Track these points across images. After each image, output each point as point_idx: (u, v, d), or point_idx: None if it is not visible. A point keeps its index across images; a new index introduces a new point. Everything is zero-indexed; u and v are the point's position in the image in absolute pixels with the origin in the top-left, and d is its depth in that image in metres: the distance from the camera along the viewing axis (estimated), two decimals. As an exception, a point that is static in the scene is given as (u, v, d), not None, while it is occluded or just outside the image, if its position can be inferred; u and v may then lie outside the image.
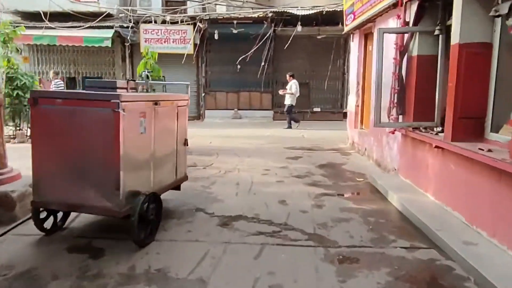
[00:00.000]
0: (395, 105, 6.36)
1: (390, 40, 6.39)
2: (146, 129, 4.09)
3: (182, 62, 15.87)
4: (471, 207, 4.47)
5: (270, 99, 17.31)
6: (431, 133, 5.65)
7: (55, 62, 17.49)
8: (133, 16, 16.15)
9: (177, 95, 5.13)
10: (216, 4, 16.16)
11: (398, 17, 6.30)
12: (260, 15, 15.74)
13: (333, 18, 14.95)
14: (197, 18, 15.98)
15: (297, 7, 15.24)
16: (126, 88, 4.23)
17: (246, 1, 16.05)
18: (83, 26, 15.02)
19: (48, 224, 4.31)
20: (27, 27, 15.83)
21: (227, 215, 5.04)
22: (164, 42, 16.60)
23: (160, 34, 16.54)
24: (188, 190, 6.08)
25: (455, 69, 4.76)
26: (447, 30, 5.63)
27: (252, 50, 15.58)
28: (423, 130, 5.93)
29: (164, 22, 16.31)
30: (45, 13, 13.93)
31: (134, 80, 4.45)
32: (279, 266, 3.71)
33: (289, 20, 15.74)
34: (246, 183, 6.65)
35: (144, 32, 16.55)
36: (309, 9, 15.15)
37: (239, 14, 15.98)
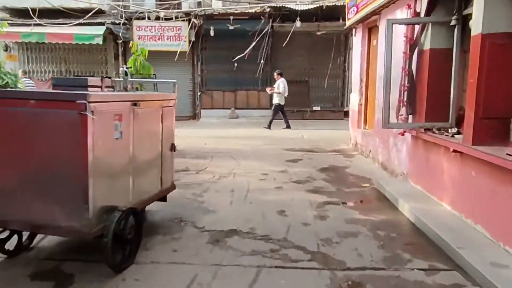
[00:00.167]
0: (405, 103, 5.80)
1: (399, 33, 5.82)
2: (122, 134, 3.51)
3: (175, 60, 15.23)
4: (497, 221, 3.91)
5: (268, 98, 16.64)
6: (446, 135, 5.09)
7: (45, 61, 16.87)
8: (125, 12, 15.54)
9: (161, 94, 4.57)
10: (211, -1, 15.60)
11: (409, 6, 5.72)
12: (257, 11, 15.13)
13: (334, 13, 14.34)
14: (192, 14, 15.37)
15: (296, 1, 14.63)
16: (101, 87, 3.65)
17: (243, -4, 15.47)
18: (73, 23, 14.39)
19: (11, 244, 3.73)
20: (16, 24, 15.36)
21: (219, 230, 4.46)
22: (158, 39, 15.97)
23: (154, 31, 15.91)
24: (178, 199, 5.52)
25: (477, 63, 4.19)
26: (463, 21, 5.08)
27: (250, 47, 14.96)
28: (437, 132, 5.37)
29: (158, 18, 15.69)
30: (34, 10, 13.32)
31: (110, 77, 3.87)
32: (278, 296, 3.15)
33: (287, 15, 15.11)
34: (242, 190, 6.08)
35: (137, 29, 15.93)
36: (308, 4, 14.52)
37: (236, 10, 15.37)
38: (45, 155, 3.17)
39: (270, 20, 15.33)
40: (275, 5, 14.91)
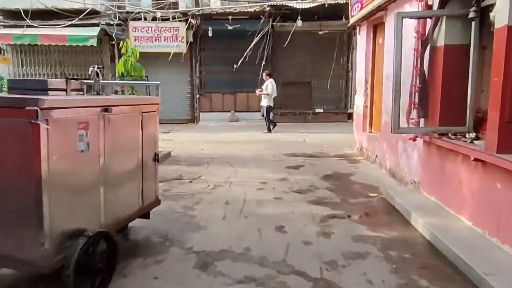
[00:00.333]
0: (416, 106, 5.26)
1: (409, 28, 5.28)
2: (90, 145, 2.99)
3: (169, 60, 14.72)
4: (529, 241, 3.37)
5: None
6: (464, 141, 4.54)
7: (39, 64, 16.38)
8: (121, 13, 15.06)
9: (141, 98, 4.06)
10: (209, -2, 15.09)
11: (419, -1, 5.19)
12: (257, 10, 14.60)
13: (336, 11, 13.83)
14: (189, 13, 14.86)
15: (297, 0, 14.11)
16: (65, 90, 3.12)
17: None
18: (68, 23, 13.91)
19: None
20: (8, 26, 14.95)
21: (208, 251, 3.92)
22: (155, 40, 15.45)
23: (151, 32, 15.39)
24: (166, 213, 5.00)
25: (502, 59, 3.65)
26: (481, 13, 4.54)
27: (249, 48, 14.46)
28: (453, 137, 4.83)
29: (154, 19, 15.19)
30: (26, 11, 12.86)
31: (77, 79, 3.34)
32: None
33: (288, 14, 14.59)
34: (238, 202, 5.54)
35: (134, 30, 15.43)
36: (309, 2, 14.00)
37: (235, 9, 14.85)
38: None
39: (270, 20, 14.84)
40: (275, 4, 14.39)
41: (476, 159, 4.05)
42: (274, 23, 14.98)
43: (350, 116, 15.80)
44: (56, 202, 2.69)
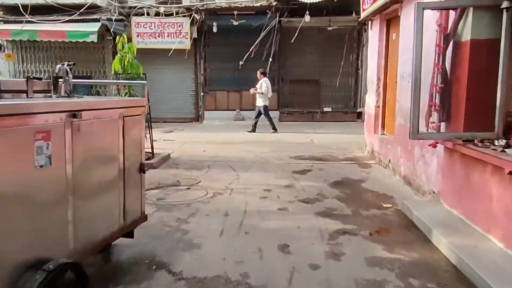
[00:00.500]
0: (437, 108, 4.69)
1: (428, 21, 4.70)
2: (52, 158, 2.48)
3: (169, 55, 14.19)
4: None
5: (275, 99, 15.49)
6: (494, 149, 3.98)
7: (40, 60, 15.98)
8: (123, 8, 14.57)
9: (122, 100, 3.57)
10: (214, -7, 14.52)
11: (442, -12, 4.61)
12: (263, 4, 14.01)
13: (346, 6, 13.24)
14: (193, 8, 14.33)
15: (305, -6, 13.53)
16: (26, 92, 2.61)
17: (248, -11, 14.37)
18: (67, 19, 13.45)
19: None
20: (7, 22, 14.54)
21: (200, 277, 3.40)
22: (158, 36, 14.97)
23: (154, 28, 14.88)
24: (157, 228, 4.50)
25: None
26: (515, 3, 3.97)
27: (255, 44, 13.90)
28: (480, 144, 4.27)
29: (157, 14, 14.68)
30: (25, 6, 12.43)
31: (41, 79, 2.83)
32: None
33: (296, 9, 14.00)
34: (238, 213, 5.02)
35: (136, 25, 14.93)
36: (318, -4, 13.40)
37: (240, 4, 14.26)
38: None
39: (277, 15, 14.25)
40: (283, -2, 13.82)
41: (510, 172, 3.48)
42: (281, 19, 14.41)
43: (359, 115, 15.22)
44: (5, 230, 2.19)
